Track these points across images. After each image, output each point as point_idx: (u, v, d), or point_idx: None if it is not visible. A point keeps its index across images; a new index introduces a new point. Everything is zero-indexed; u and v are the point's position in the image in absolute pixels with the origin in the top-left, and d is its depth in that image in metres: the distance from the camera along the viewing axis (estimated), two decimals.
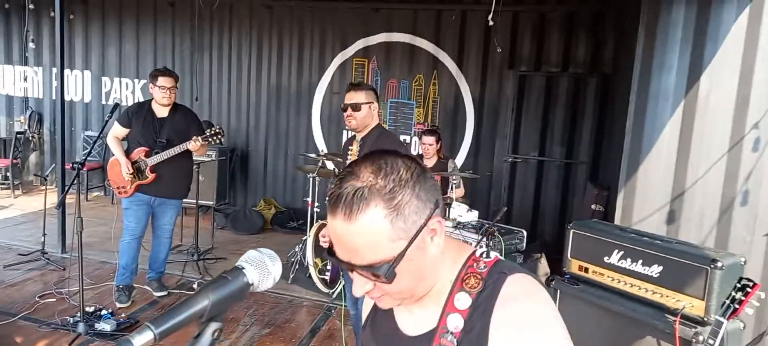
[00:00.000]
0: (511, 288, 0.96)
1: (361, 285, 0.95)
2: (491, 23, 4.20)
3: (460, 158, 6.79)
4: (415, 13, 6.84)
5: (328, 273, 4.72)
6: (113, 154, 4.27)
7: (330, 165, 6.16)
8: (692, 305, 2.31)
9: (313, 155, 5.86)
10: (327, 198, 0.94)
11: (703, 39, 3.48)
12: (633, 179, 3.71)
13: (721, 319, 1.98)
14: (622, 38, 5.68)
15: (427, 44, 6.85)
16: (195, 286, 4.70)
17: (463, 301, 0.97)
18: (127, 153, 4.25)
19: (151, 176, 4.22)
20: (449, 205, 4.27)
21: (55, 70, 7.54)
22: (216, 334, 0.78)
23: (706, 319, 2.23)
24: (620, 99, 5.03)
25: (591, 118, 6.39)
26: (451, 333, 0.95)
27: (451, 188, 4.55)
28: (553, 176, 6.63)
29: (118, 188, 4.26)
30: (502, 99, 6.68)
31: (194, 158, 4.57)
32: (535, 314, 0.93)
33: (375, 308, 1.15)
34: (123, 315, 4.01)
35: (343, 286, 4.45)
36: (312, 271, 4.87)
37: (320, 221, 4.92)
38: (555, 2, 6.32)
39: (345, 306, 3.88)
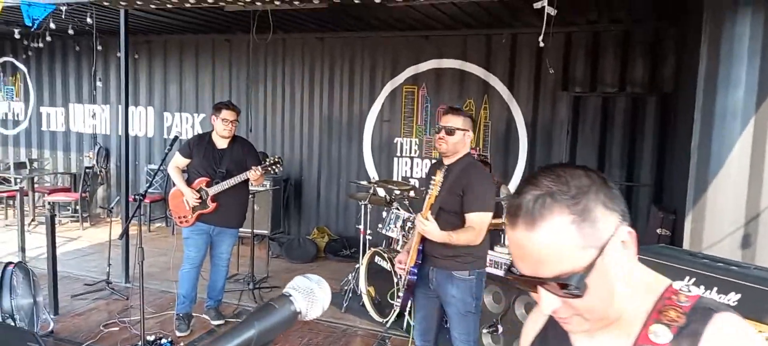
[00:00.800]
0: (722, 328, 0.86)
1: (549, 302, 0.88)
2: (542, 45, 4.11)
3: (513, 184, 6.64)
4: (464, 39, 6.82)
5: (399, 299, 4.57)
6: (174, 185, 4.42)
7: (381, 192, 6.15)
8: None
9: (364, 183, 5.88)
10: (505, 207, 0.91)
11: None
12: (702, 201, 3.51)
13: None
14: (682, 55, 5.46)
15: (477, 69, 6.80)
16: None
17: (662, 335, 0.88)
18: (188, 183, 4.39)
19: (212, 206, 4.34)
20: (504, 231, 4.16)
21: (120, 107, 7.98)
22: None
23: None
24: (682, 118, 4.81)
25: (651, 138, 6.13)
26: None
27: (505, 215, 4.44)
28: None
29: (179, 217, 4.40)
30: (556, 122, 6.53)
31: (250, 188, 4.67)
32: None
33: (545, 329, 1.07)
34: (182, 344, 4.09)
35: (410, 319, 4.38)
36: (365, 299, 4.85)
37: (373, 249, 4.90)
38: (608, 21, 6.15)
39: (411, 339, 3.79)
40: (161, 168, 4.92)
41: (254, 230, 5.88)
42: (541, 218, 0.84)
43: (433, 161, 3.32)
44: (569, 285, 0.83)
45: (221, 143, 4.42)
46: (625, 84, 6.22)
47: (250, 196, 5.27)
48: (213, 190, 4.31)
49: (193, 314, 4.53)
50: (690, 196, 3.55)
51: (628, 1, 5.34)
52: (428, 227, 2.76)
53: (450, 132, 2.94)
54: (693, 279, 2.39)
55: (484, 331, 3.89)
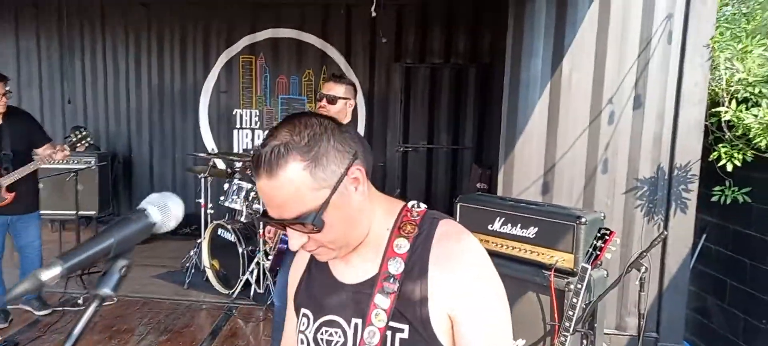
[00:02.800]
0: (445, 229, 1.06)
1: (296, 239, 0.99)
2: (374, 15, 4.34)
3: None
4: (302, 8, 6.85)
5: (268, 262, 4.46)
6: None
7: (221, 164, 6.03)
8: (563, 259, 2.59)
9: (203, 155, 5.69)
10: (252, 157, 0.99)
11: (563, 26, 3.86)
12: (511, 157, 4.03)
13: (586, 265, 2.25)
14: (498, 29, 6.10)
15: (314, 39, 6.89)
16: (80, 301, 4.40)
17: (403, 246, 1.05)
18: None
19: (9, 196, 3.83)
20: None
21: None
22: (123, 270, 0.80)
23: (575, 270, 2.52)
24: (498, 86, 5.41)
25: (473, 105, 6.79)
26: (393, 276, 1.03)
27: None
28: (442, 162, 6.97)
29: None
30: (391, 92, 6.90)
31: (70, 166, 4.26)
32: (467, 247, 1.05)
33: (308, 268, 1.18)
34: (0, 338, 3.68)
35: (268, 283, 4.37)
36: (209, 273, 4.76)
37: (216, 222, 4.81)
38: None
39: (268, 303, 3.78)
40: None
41: (79, 212, 5.38)
42: (278, 166, 0.93)
43: None
44: (308, 223, 0.96)
45: None
46: (451, 55, 6.78)
47: (73, 174, 4.84)
48: (6, 180, 3.76)
49: (9, 308, 4.07)
50: (501, 152, 4.06)
51: None
52: None
53: (331, 100, 2.90)
54: (502, 219, 2.80)
55: None
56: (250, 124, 7.13)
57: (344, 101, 2.94)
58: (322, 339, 1.09)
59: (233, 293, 4.57)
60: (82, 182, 5.28)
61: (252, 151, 0.99)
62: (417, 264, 1.03)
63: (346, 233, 1.03)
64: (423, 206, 1.11)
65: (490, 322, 1.04)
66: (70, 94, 7.09)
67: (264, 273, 4.52)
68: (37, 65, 7.19)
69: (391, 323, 1.02)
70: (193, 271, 4.96)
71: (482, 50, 6.68)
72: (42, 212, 4.28)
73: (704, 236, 3.95)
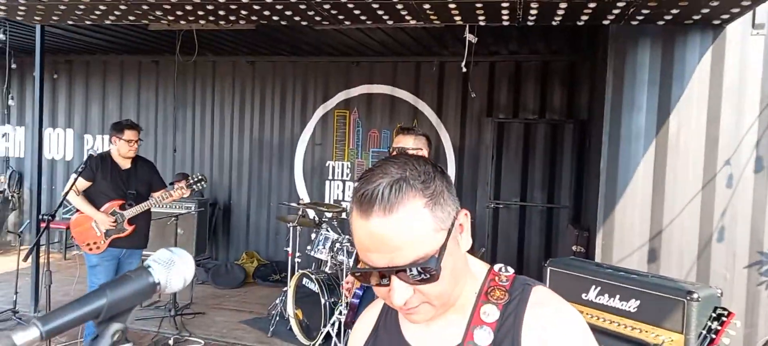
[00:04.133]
0: (539, 296, 0.95)
1: (401, 293, 0.87)
2: (464, 70, 4.28)
3: None
4: (394, 65, 6.98)
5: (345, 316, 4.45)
6: (76, 210, 4.17)
7: (311, 213, 6.13)
8: (671, 339, 2.27)
9: (294, 204, 5.83)
10: (354, 199, 0.88)
11: (670, 79, 3.58)
12: (610, 219, 3.72)
13: None
14: (595, 84, 5.82)
15: (406, 95, 6.96)
16: (170, 342, 4.55)
17: (491, 314, 0.93)
18: (96, 207, 4.12)
19: (129, 229, 4.17)
20: None
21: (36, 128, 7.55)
22: (116, 335, 0.72)
23: None
24: (595, 142, 5.11)
25: (569, 163, 6.46)
26: None
27: None
28: (536, 221, 6.64)
29: (87, 245, 4.15)
30: (482, 146, 6.76)
31: (172, 210, 4.53)
32: (566, 313, 0.93)
33: (375, 330, 1.08)
34: None
35: (338, 342, 4.34)
36: (292, 322, 4.77)
37: (301, 271, 4.85)
38: (528, 52, 6.49)
39: None
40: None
41: None
42: (398, 203, 0.84)
43: None
44: (428, 268, 0.85)
45: (124, 164, 4.27)
46: (545, 111, 6.55)
47: (174, 219, 5.12)
48: (129, 213, 4.15)
49: None
50: (600, 214, 3.76)
51: (545, 34, 5.65)
52: None
53: (402, 153, 2.91)
54: (598, 288, 2.53)
55: None
56: (342, 176, 7.26)
57: (416, 151, 2.89)
58: None
59: (314, 344, 4.53)
60: (182, 226, 5.59)
61: (357, 186, 0.88)
62: (508, 335, 0.91)
63: (452, 288, 0.92)
64: (511, 270, 0.99)
65: None
66: (179, 143, 7.62)
67: (345, 326, 4.45)
68: (154, 115, 7.84)
69: None
70: (278, 319, 5.00)
71: (579, 106, 6.40)
72: (144, 252, 4.54)
73: None
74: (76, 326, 0.70)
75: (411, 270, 0.85)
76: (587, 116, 6.26)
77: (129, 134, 4.20)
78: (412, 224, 0.84)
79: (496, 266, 1.00)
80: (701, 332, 1.99)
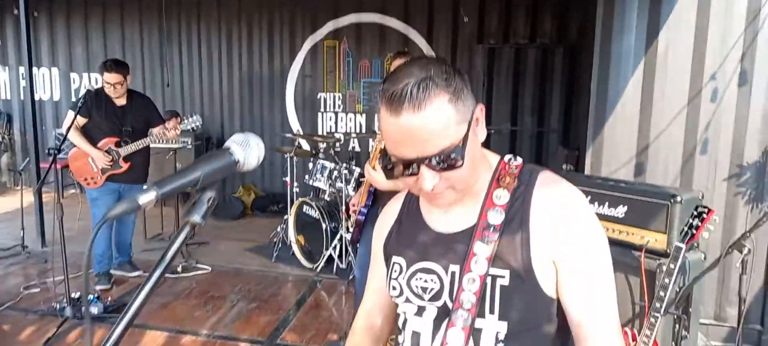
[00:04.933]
0: (546, 178, 1.07)
1: (429, 179, 0.98)
2: None
3: None
4: None
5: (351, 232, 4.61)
6: (74, 146, 4.23)
7: (306, 145, 6.23)
8: (656, 240, 2.46)
9: (290, 135, 5.92)
10: (383, 99, 0.96)
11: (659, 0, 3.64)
12: (600, 137, 3.86)
13: (681, 245, 2.13)
14: (586, 8, 5.85)
15: (396, 23, 6.93)
16: (179, 269, 4.73)
17: (502, 197, 1.05)
18: (92, 143, 4.19)
19: (125, 166, 4.24)
20: None
21: (22, 69, 7.42)
22: (210, 201, 0.85)
23: (668, 250, 2.39)
24: (586, 67, 5.20)
25: (560, 87, 6.56)
26: (493, 226, 1.03)
27: None
28: (527, 145, 6.81)
29: (85, 179, 4.25)
30: (473, 73, 6.81)
31: (169, 145, 4.60)
32: (571, 195, 1.05)
33: (399, 219, 1.20)
34: (109, 298, 4.04)
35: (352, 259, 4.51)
36: (295, 248, 4.96)
37: (301, 199, 5.00)
38: None
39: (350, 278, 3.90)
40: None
41: None
42: (426, 100, 0.92)
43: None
44: (454, 158, 0.96)
45: (119, 100, 4.27)
46: (536, 36, 6.58)
47: (172, 153, 5.20)
48: (124, 150, 4.22)
49: (113, 272, 4.48)
50: (590, 131, 3.90)
51: None
52: (374, 176, 2.78)
53: None
54: (588, 197, 2.69)
55: None
56: (334, 108, 7.31)
57: None
58: (416, 286, 1.10)
59: (317, 267, 4.74)
60: (180, 161, 5.67)
61: (385, 87, 0.96)
62: (518, 213, 1.03)
63: (472, 174, 1.03)
64: (520, 159, 1.11)
65: (596, 269, 1.03)
66: (169, 78, 7.58)
67: (346, 249, 4.65)
68: (140, 53, 7.75)
69: (492, 270, 1.02)
70: (280, 245, 5.19)
71: (570, 30, 6.44)
72: (145, 186, 4.65)
73: None
74: (182, 190, 0.83)
75: (438, 160, 0.96)
76: (577, 41, 6.31)
77: (109, 77, 4.14)
78: (439, 119, 0.94)
79: (507, 157, 1.12)
80: (683, 229, 2.17)
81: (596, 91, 3.87)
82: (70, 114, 4.15)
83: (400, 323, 1.16)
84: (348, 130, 7.22)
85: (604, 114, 3.83)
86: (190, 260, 4.95)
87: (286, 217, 5.22)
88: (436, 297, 1.07)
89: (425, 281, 1.09)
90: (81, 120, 4.17)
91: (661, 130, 3.70)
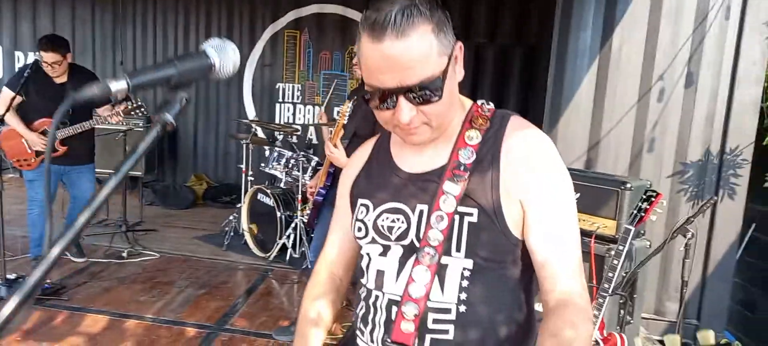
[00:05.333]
0: (517, 122, 1.08)
1: (407, 111, 0.97)
2: None
3: None
4: None
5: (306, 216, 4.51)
6: (6, 125, 3.89)
7: (261, 133, 6.12)
8: (605, 226, 2.53)
9: (246, 121, 5.80)
10: (365, 26, 0.94)
11: None
12: (554, 131, 3.94)
13: (630, 227, 2.19)
14: (545, 9, 5.98)
15: (358, 16, 6.89)
16: (124, 255, 4.56)
17: (474, 137, 1.05)
18: (27, 123, 3.91)
19: (61, 149, 3.97)
20: None
21: None
22: (183, 100, 0.81)
23: (617, 236, 2.45)
24: (543, 68, 5.31)
25: (517, 86, 6.68)
26: (464, 165, 1.03)
27: None
28: None
29: (18, 161, 3.98)
30: None
31: (119, 127, 4.40)
32: (540, 139, 1.06)
33: (368, 163, 1.19)
34: (47, 281, 3.84)
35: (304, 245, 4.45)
36: (247, 236, 4.86)
37: (255, 186, 4.90)
38: None
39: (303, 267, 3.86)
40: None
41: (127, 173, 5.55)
42: (411, 27, 0.92)
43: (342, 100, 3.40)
44: (433, 89, 0.96)
45: (60, 79, 3.95)
46: (496, 35, 6.68)
47: (122, 135, 5.01)
48: (62, 133, 3.89)
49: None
50: (545, 126, 3.98)
51: None
52: (336, 153, 2.76)
53: None
54: None
55: None
56: (293, 99, 7.22)
57: None
58: (383, 226, 1.08)
59: (270, 256, 4.65)
60: (130, 143, 5.46)
61: (368, 14, 0.94)
62: (489, 153, 1.04)
63: (448, 110, 1.02)
64: (491, 104, 1.11)
65: (562, 212, 1.03)
66: (123, 57, 7.32)
67: (300, 238, 4.58)
68: (92, 32, 7.45)
69: (460, 208, 1.01)
70: (232, 234, 5.07)
71: (528, 31, 6.56)
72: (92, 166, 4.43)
73: (754, 225, 3.78)
74: (153, 86, 0.79)
75: (418, 90, 0.95)
76: (536, 41, 6.44)
77: (46, 56, 3.81)
78: (421, 47, 0.93)
79: (479, 101, 1.13)
80: (632, 212, 2.23)
81: (552, 86, 3.95)
82: (6, 92, 3.82)
83: (363, 265, 1.14)
84: (306, 122, 7.14)
85: (560, 109, 3.92)
86: (137, 247, 4.77)
87: (239, 205, 5.11)
88: (402, 236, 1.06)
89: (392, 220, 1.07)
90: (17, 99, 3.82)
91: (612, 126, 3.81)
